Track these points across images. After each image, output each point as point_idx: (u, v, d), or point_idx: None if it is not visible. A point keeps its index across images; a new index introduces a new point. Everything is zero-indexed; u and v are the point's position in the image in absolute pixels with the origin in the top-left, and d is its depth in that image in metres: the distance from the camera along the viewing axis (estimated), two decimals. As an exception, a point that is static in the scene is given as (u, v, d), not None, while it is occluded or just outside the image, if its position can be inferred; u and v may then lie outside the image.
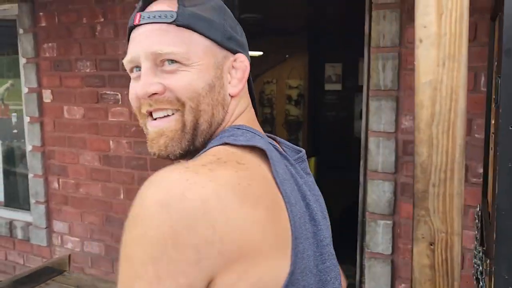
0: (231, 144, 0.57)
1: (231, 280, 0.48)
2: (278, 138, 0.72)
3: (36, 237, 3.36)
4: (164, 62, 0.61)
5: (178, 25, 0.60)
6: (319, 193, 0.71)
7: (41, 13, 3.09)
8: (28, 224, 3.42)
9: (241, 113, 0.67)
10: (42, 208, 3.31)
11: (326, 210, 0.72)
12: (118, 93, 2.90)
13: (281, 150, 0.65)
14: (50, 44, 3.09)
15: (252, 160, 0.56)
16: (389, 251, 2.25)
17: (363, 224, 2.36)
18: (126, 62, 0.64)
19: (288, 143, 0.73)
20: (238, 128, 0.63)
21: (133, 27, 0.63)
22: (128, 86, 0.68)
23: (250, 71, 0.68)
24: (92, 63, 2.96)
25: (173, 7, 0.61)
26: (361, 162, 2.32)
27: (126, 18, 2.78)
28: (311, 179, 0.70)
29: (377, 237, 2.27)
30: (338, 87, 7.06)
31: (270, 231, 0.51)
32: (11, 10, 3.21)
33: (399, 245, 2.25)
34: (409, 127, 2.16)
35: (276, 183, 0.55)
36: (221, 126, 0.65)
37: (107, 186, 3.06)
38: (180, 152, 0.63)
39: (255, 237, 0.49)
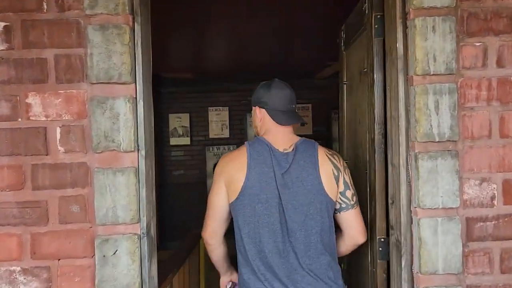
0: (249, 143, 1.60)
1: (227, 184, 1.55)
2: (298, 142, 1.57)
3: None
4: None
5: None
6: (304, 175, 1.52)
7: None
8: None
9: (263, 133, 1.60)
10: None
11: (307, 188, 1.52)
12: None
13: (272, 147, 1.53)
14: None
15: (244, 150, 1.54)
16: None
17: None
18: None
19: (305, 143, 1.57)
20: (257, 139, 1.59)
21: None
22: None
23: None
24: None
25: None
26: (403, 261, 1.43)
27: None
28: (294, 166, 1.51)
29: None
30: (186, 141, 6.10)
31: (236, 173, 1.51)
32: None
33: None
34: (475, 197, 1.39)
35: (247, 160, 1.51)
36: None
37: None
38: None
39: (231, 171, 1.53)
